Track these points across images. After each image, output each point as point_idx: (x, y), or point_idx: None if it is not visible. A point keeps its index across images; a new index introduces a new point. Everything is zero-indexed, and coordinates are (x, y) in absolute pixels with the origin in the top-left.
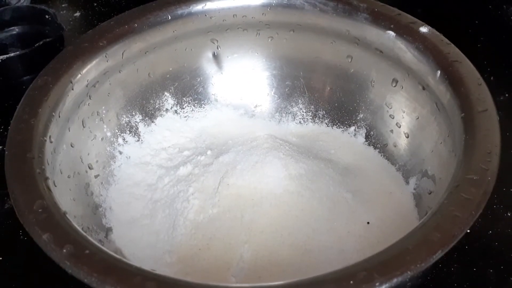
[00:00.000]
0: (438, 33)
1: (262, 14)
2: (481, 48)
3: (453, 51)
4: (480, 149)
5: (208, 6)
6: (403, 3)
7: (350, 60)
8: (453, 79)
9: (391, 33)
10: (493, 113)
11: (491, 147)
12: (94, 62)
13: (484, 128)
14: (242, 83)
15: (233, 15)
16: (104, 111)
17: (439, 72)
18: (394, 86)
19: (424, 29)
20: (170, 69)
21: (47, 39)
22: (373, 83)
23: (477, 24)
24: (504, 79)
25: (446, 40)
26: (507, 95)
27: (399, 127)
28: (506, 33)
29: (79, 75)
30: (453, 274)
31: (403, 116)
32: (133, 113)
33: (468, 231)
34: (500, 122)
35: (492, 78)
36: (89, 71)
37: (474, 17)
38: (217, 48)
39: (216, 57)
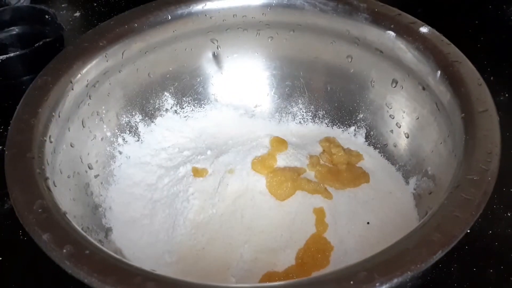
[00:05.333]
0: (438, 33)
1: (262, 14)
2: (481, 48)
3: (453, 51)
4: (480, 149)
5: (208, 6)
6: (404, 3)
7: (350, 60)
8: (453, 79)
9: (391, 33)
10: (494, 113)
11: (491, 147)
12: (94, 62)
13: (484, 128)
14: (242, 83)
15: (233, 15)
16: (104, 111)
17: (439, 72)
18: (394, 87)
19: (424, 29)
20: (170, 69)
21: (47, 39)
22: (373, 83)
23: (477, 24)
24: (504, 79)
25: (446, 40)
26: (507, 95)
27: (399, 127)
28: (506, 33)
29: (79, 75)
30: (453, 274)
31: (403, 116)
32: (133, 113)
33: (468, 231)
34: (500, 122)
35: (492, 78)
36: (89, 71)
37: (474, 17)
38: (217, 48)
39: (216, 57)
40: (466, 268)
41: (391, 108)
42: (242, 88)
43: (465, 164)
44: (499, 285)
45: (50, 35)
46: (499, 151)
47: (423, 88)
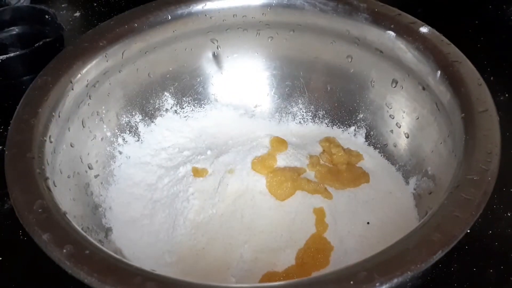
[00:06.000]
0: (438, 33)
1: (262, 14)
2: (481, 48)
3: (453, 51)
4: (480, 149)
5: (208, 6)
6: (403, 3)
7: (350, 60)
8: (453, 79)
9: (391, 33)
10: (493, 113)
11: (491, 147)
12: (94, 62)
13: (484, 128)
14: (242, 83)
15: (233, 15)
16: (104, 111)
17: (439, 72)
18: (394, 87)
19: (424, 29)
20: (170, 69)
21: (47, 39)
22: (373, 83)
23: (477, 24)
24: (504, 79)
25: (446, 40)
26: (507, 95)
27: (399, 127)
28: (506, 33)
29: (79, 75)
30: (453, 274)
31: (403, 116)
32: (133, 113)
33: (468, 231)
34: (500, 122)
35: (492, 78)
36: (89, 71)
37: (474, 17)
38: (217, 48)
39: (216, 57)
40: (466, 268)
41: (391, 108)
42: (242, 88)
43: (465, 164)
44: (499, 285)
45: (50, 35)
46: (499, 151)
47: (423, 88)
